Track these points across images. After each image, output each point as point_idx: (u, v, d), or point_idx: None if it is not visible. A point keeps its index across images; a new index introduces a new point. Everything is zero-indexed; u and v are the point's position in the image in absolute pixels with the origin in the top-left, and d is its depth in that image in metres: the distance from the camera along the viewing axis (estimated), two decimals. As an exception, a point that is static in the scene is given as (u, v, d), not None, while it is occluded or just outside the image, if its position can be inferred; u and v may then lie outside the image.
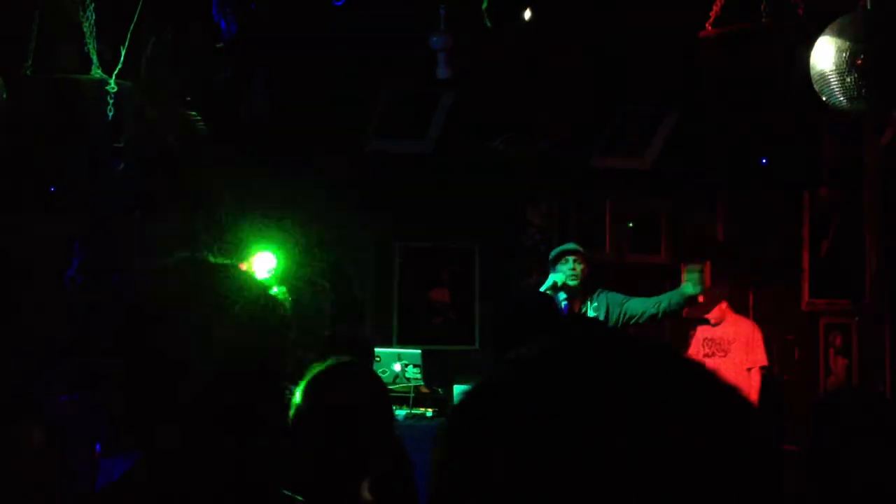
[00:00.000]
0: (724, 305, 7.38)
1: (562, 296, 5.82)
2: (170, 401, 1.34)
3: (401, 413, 6.18)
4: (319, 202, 7.74)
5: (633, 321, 5.89)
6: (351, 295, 7.89)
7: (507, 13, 5.50)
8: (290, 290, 7.53)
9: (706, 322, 7.45)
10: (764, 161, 7.91)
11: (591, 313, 5.83)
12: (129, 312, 1.43)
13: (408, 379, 6.77)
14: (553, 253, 6.09)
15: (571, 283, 5.82)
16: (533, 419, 0.68)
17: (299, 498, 1.50)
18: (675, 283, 8.90)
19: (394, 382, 6.69)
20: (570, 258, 5.89)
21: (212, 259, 1.48)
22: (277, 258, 7.50)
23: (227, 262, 1.47)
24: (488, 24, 5.30)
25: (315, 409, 2.43)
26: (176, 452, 1.36)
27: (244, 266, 7.13)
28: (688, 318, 8.48)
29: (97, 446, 5.82)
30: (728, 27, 4.82)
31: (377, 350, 6.48)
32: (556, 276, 5.82)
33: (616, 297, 6.00)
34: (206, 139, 6.56)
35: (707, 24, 4.83)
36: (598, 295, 5.99)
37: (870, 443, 2.42)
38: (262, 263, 7.31)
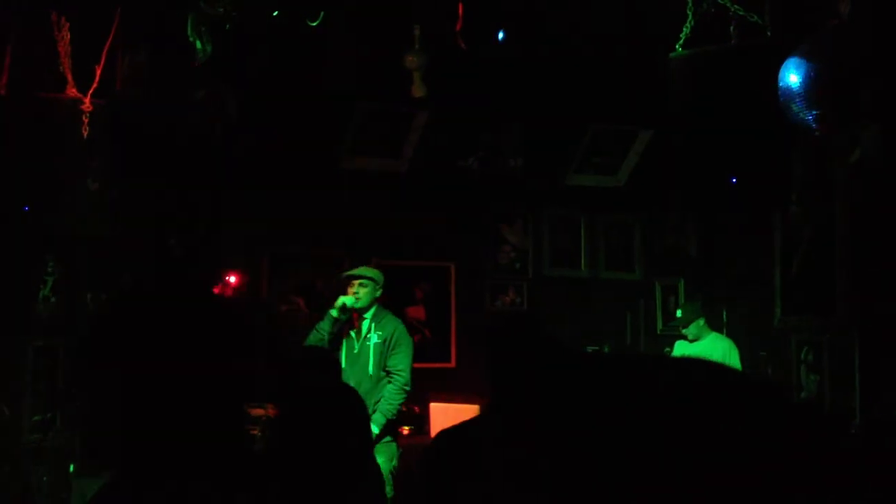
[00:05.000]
0: (701, 322, 7.43)
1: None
2: (136, 422, 1.35)
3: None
4: (292, 220, 7.74)
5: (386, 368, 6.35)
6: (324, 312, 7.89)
7: (481, 33, 5.56)
8: (263, 308, 7.53)
9: (684, 338, 7.50)
10: (734, 180, 8.00)
11: (373, 337, 6.31)
12: (91, 335, 1.44)
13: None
14: (342, 275, 6.51)
15: (356, 305, 6.32)
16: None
17: None
18: (649, 299, 9.00)
19: (370, 400, 6.68)
20: (355, 283, 6.35)
21: (187, 283, 1.51)
22: (250, 276, 7.50)
23: (208, 285, 1.50)
24: (462, 44, 5.35)
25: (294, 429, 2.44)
26: (143, 473, 1.37)
27: (230, 278, 7.14)
28: (665, 334, 8.55)
29: (70, 466, 5.79)
30: (698, 48, 4.89)
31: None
32: (346, 299, 6.31)
33: (402, 339, 6.38)
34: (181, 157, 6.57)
35: (677, 45, 4.90)
36: (390, 325, 6.39)
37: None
38: (233, 281, 7.32)
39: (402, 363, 6.28)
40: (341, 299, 6.29)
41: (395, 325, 6.42)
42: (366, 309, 6.34)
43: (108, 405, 1.38)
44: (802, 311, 7.58)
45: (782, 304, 7.82)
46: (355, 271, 6.45)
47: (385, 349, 6.27)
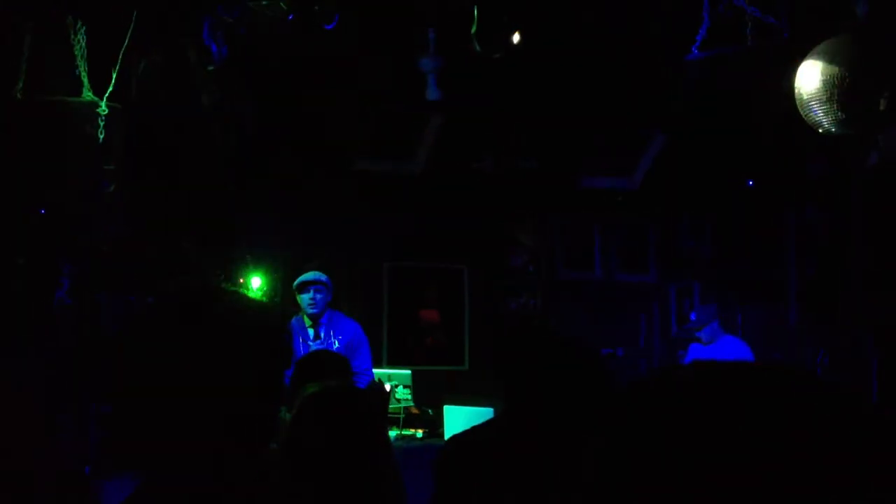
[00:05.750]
0: (715, 325, 7.41)
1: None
2: (168, 424, 1.36)
3: (391, 434, 6.19)
4: (308, 223, 7.75)
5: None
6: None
7: (496, 36, 5.55)
8: (279, 311, 7.54)
9: (698, 341, 7.47)
10: (750, 182, 7.98)
11: (335, 342, 6.22)
12: (126, 333, 1.45)
13: (398, 400, 6.78)
14: (295, 283, 6.33)
15: (311, 311, 6.20)
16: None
17: None
18: (664, 302, 8.97)
19: (384, 403, 6.68)
20: (311, 288, 6.21)
21: (212, 285, 1.51)
22: (265, 280, 7.51)
23: (228, 287, 1.50)
24: (477, 46, 5.35)
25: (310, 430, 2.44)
26: (178, 475, 1.37)
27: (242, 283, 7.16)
28: (679, 337, 8.52)
29: (86, 468, 5.81)
30: (714, 50, 4.87)
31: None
32: (308, 322, 6.21)
33: (362, 339, 6.32)
34: (195, 159, 6.59)
35: (693, 47, 4.88)
36: (349, 327, 6.31)
37: None
38: (252, 285, 7.33)
39: (366, 362, 6.27)
40: (308, 328, 6.18)
41: (353, 326, 6.36)
42: (321, 314, 6.28)
43: (135, 409, 1.39)
44: (818, 314, 7.55)
45: (798, 306, 7.78)
46: (310, 276, 6.31)
47: (348, 351, 6.21)
